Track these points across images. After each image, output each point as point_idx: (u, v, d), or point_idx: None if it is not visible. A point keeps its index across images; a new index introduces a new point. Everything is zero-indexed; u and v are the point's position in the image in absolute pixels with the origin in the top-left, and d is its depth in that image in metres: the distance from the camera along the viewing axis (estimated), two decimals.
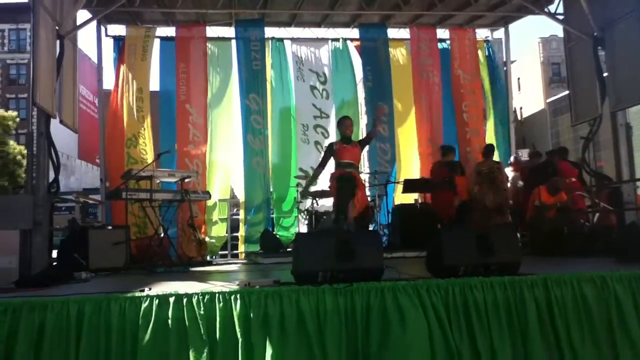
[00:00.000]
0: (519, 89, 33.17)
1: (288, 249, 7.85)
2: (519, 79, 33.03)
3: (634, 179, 7.71)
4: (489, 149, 8.71)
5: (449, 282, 3.73)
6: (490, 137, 9.93)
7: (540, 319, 3.70)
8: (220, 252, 8.97)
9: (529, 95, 34.27)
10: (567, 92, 9.32)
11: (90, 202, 8.77)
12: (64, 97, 6.59)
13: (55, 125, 6.44)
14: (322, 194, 8.18)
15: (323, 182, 8.83)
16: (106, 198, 8.07)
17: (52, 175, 6.23)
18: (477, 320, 3.62)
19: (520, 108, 33.25)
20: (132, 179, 6.63)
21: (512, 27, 10.04)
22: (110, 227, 7.35)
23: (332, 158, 6.65)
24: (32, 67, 5.56)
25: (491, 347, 3.58)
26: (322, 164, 6.73)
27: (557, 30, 35.65)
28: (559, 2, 8.32)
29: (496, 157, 9.11)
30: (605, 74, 7.50)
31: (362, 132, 10.11)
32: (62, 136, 8.29)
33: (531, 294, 3.75)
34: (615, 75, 7.30)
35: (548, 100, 30.35)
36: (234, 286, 3.76)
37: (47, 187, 6.00)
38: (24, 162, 25.58)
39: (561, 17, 8.25)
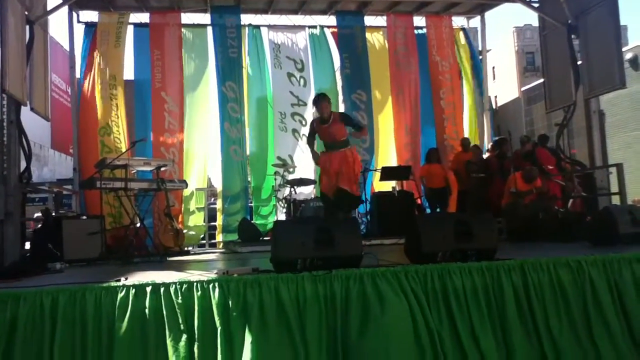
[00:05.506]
0: (494, 78, 33.51)
1: (267, 238, 7.82)
2: (493, 68, 33.35)
3: (606, 165, 7.86)
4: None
5: (427, 268, 3.74)
6: (466, 125, 10.00)
7: (518, 304, 3.75)
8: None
9: (504, 84, 34.61)
10: (541, 80, 9.44)
11: (64, 192, 8.61)
12: (34, 84, 6.44)
13: (27, 114, 6.29)
14: (300, 182, 8.16)
15: (302, 171, 8.83)
16: (80, 187, 7.91)
17: (23, 165, 6.10)
18: (457, 306, 3.64)
19: (495, 97, 33.60)
20: (106, 167, 6.51)
21: (487, 15, 10.11)
22: (84, 217, 7.21)
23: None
24: (0, 53, 5.41)
25: (472, 332, 3.61)
26: (311, 137, 6.40)
27: (532, 19, 36.00)
28: None
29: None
30: (579, 62, 7.60)
31: None
32: (34, 125, 8.09)
33: (509, 278, 3.79)
34: (589, 63, 7.40)
35: (522, 89, 30.74)
36: (212, 275, 3.72)
37: (18, 177, 5.88)
38: None
39: (536, 5, 8.33)
